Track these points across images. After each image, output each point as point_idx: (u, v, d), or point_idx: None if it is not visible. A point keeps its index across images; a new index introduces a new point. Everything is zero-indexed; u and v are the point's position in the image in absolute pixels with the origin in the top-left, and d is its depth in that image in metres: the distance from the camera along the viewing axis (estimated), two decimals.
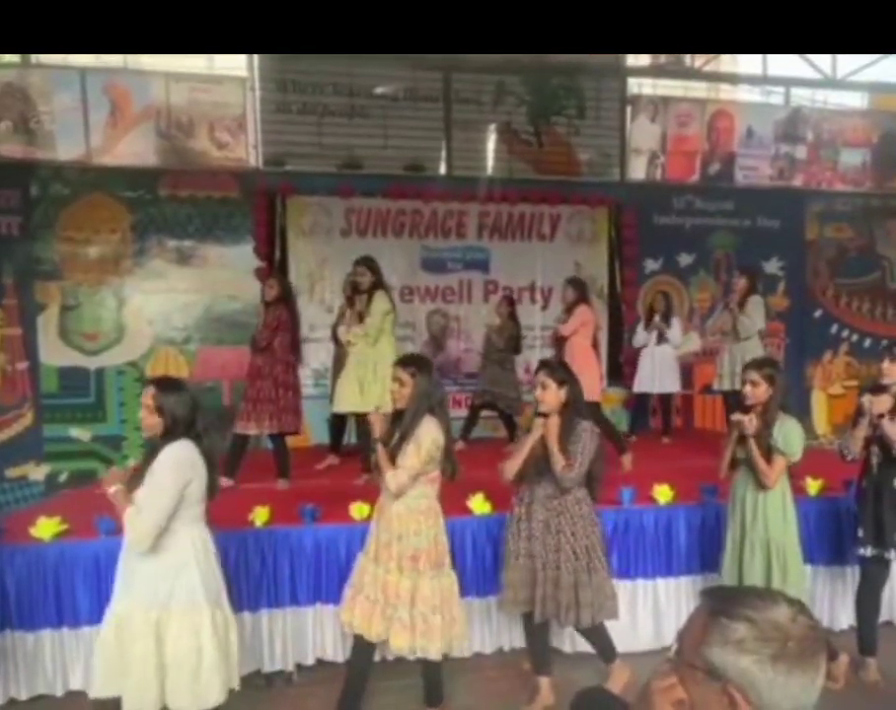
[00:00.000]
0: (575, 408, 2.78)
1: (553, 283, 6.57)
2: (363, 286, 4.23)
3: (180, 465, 2.25)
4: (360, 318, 4.18)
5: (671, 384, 5.54)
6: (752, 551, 2.94)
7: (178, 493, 2.22)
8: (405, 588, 2.60)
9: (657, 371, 5.45)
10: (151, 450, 2.32)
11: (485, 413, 5.46)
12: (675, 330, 5.54)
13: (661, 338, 5.48)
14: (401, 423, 2.63)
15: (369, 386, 4.10)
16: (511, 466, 2.79)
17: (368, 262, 4.29)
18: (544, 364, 2.88)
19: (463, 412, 5.56)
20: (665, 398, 5.65)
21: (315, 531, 3.23)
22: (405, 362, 2.72)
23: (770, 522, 2.92)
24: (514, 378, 5.41)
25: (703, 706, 0.88)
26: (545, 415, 2.76)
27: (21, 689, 3.00)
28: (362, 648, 2.69)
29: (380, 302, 4.18)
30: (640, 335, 5.63)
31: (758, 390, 2.86)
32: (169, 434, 2.29)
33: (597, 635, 2.90)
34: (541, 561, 2.77)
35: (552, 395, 2.74)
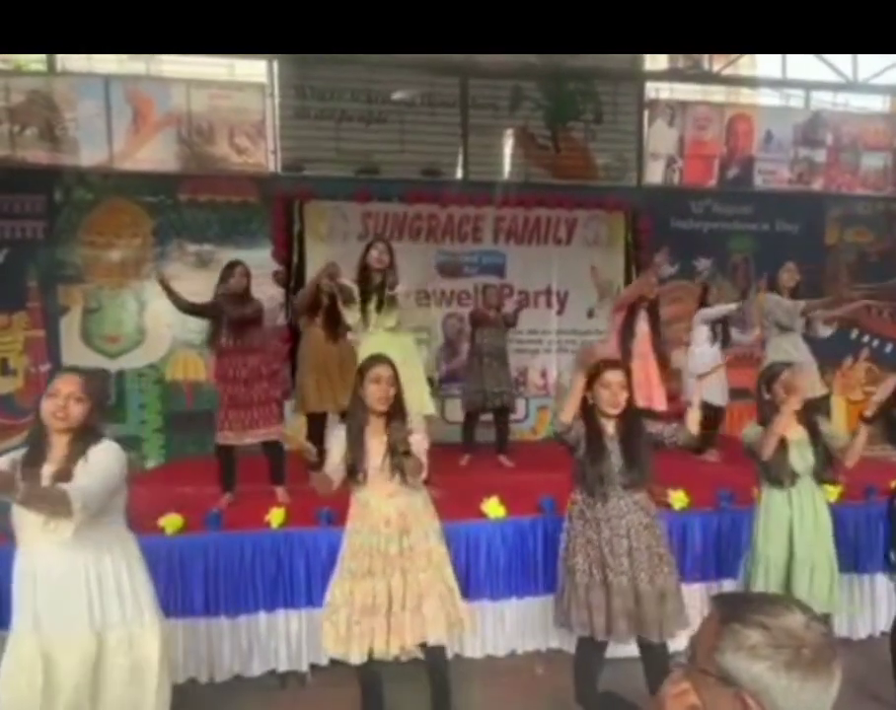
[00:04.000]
0: None
1: (568, 287, 6.57)
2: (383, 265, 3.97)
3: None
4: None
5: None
6: (809, 567, 2.77)
7: None
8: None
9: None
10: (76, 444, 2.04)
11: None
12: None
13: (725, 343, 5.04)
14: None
15: None
16: None
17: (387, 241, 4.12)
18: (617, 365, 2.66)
19: None
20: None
21: (330, 532, 3.25)
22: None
23: (827, 534, 2.81)
24: (509, 372, 5.14)
25: None
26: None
27: None
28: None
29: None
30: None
31: None
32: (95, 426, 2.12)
33: None
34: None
35: None
